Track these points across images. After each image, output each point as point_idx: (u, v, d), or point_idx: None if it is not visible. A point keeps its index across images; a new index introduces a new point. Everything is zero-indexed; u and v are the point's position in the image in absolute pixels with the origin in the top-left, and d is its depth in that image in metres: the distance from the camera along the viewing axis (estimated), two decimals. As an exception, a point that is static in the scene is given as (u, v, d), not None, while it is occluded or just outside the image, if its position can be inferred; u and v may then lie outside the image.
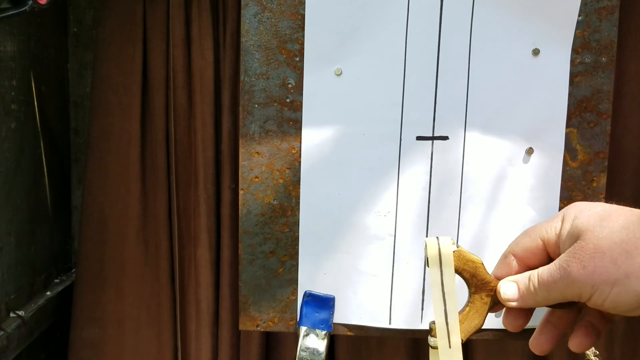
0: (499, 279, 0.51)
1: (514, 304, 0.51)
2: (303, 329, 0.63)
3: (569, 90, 0.59)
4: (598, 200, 0.60)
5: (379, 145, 0.60)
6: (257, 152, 0.61)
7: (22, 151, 0.73)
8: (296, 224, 0.62)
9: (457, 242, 0.51)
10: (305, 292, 0.63)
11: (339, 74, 0.59)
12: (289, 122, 0.60)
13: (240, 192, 0.61)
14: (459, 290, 0.51)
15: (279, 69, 0.60)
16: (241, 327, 0.63)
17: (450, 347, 0.49)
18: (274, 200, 0.62)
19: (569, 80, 0.58)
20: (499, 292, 0.52)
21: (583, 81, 0.59)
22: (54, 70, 0.82)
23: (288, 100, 0.60)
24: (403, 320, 0.62)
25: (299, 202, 0.62)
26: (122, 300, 0.76)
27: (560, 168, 0.60)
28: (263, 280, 0.63)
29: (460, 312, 0.51)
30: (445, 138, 0.60)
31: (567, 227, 0.48)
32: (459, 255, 0.51)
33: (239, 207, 0.61)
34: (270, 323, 0.63)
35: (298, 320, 0.63)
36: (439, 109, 0.59)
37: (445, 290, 0.50)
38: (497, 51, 0.58)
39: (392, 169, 0.60)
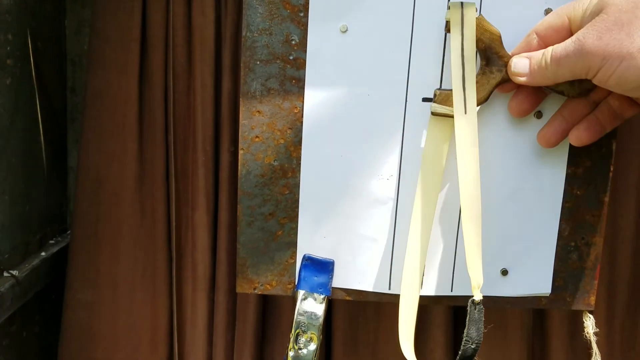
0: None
1: (522, 79, 0.51)
2: (301, 293, 0.62)
3: None
4: (607, 167, 0.59)
5: (384, 107, 0.58)
6: (258, 111, 0.59)
7: (17, 108, 0.72)
8: (296, 186, 0.60)
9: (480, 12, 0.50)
10: (304, 255, 0.62)
11: (344, 31, 0.57)
12: (292, 81, 0.59)
13: (240, 152, 0.60)
14: None
15: (283, 25, 0.58)
16: (238, 289, 0.62)
17: (465, 112, 0.48)
18: (274, 161, 0.60)
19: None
20: (510, 66, 0.51)
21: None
22: (51, 26, 0.80)
23: (291, 58, 0.58)
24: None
25: (300, 164, 0.60)
26: (117, 262, 0.75)
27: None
28: (261, 243, 0.61)
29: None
30: (451, 100, 0.58)
31: (594, 1, 0.46)
32: (479, 23, 0.49)
33: (239, 167, 0.60)
34: (267, 286, 0.62)
35: (296, 283, 0.62)
36: (447, 70, 0.57)
37: (465, 54, 0.49)
38: (508, 10, 0.56)
39: (396, 131, 0.59)
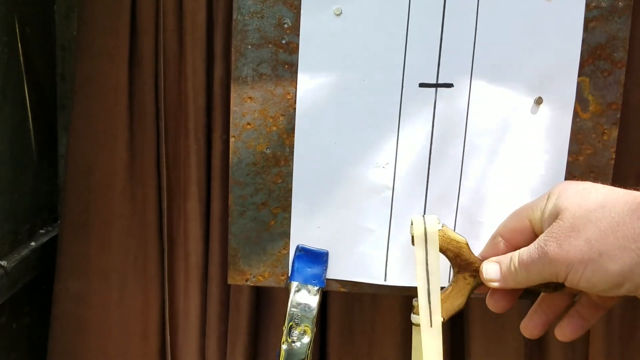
0: (485, 259, 0.51)
1: (495, 284, 0.51)
2: (294, 284, 0.60)
3: (582, 37, 0.55)
4: (608, 154, 0.57)
5: (380, 92, 0.57)
6: (250, 97, 0.58)
7: (5, 94, 0.70)
8: (289, 174, 0.59)
9: (441, 222, 0.52)
10: (298, 246, 0.60)
11: (338, 14, 0.55)
12: (284, 66, 0.57)
13: (232, 139, 0.58)
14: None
15: (275, 7, 0.56)
16: (230, 281, 0.61)
17: (431, 326, 0.50)
18: (266, 149, 0.58)
19: (583, 26, 0.55)
20: (481, 272, 0.52)
21: (598, 27, 0.55)
22: (40, 11, 0.78)
23: (284, 42, 0.56)
24: (399, 277, 0.60)
25: (293, 152, 0.58)
26: (108, 252, 0.73)
27: (570, 119, 0.56)
28: (254, 233, 0.60)
29: (443, 292, 0.51)
30: (449, 85, 0.56)
31: (549, 206, 0.47)
32: (443, 235, 0.51)
33: (230, 155, 0.58)
34: (260, 277, 0.61)
35: (289, 275, 0.61)
36: (444, 55, 0.55)
37: (429, 269, 0.50)
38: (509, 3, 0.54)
39: (392, 117, 0.57)
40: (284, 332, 0.60)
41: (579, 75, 0.56)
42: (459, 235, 0.51)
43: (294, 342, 0.60)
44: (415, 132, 0.57)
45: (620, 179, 0.69)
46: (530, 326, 0.55)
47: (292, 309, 0.60)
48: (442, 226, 0.51)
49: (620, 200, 0.44)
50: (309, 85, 0.57)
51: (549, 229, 0.46)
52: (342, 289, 0.61)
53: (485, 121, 0.57)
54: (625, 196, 0.44)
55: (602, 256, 0.43)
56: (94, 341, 0.74)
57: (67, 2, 0.80)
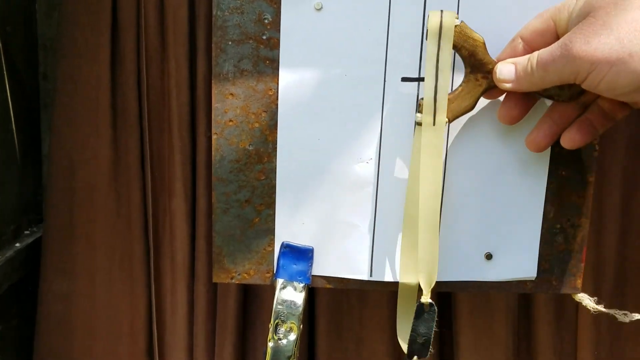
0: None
1: (508, 85, 0.49)
2: (280, 282, 0.60)
3: None
4: None
5: (362, 87, 0.56)
6: (232, 94, 0.57)
7: (-15, 94, 0.69)
8: (273, 171, 0.58)
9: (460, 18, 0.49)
10: (283, 242, 0.60)
11: (319, 9, 0.55)
12: (266, 61, 0.56)
13: (214, 136, 0.58)
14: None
15: (255, 3, 0.55)
16: (215, 279, 0.60)
17: (434, 124, 0.47)
18: (249, 145, 0.58)
19: None
20: (495, 73, 0.50)
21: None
22: (21, 10, 0.77)
23: (264, 37, 0.56)
24: (384, 272, 0.59)
25: (276, 148, 0.58)
26: (93, 252, 0.73)
27: None
28: (238, 231, 0.59)
29: (452, 92, 0.49)
30: (431, 79, 0.56)
31: (580, 3, 0.45)
32: (460, 31, 0.48)
33: (212, 152, 0.58)
34: (245, 275, 0.60)
35: (275, 272, 0.60)
36: (426, 48, 0.55)
37: (440, 65, 0.48)
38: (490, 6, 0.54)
39: (375, 112, 0.57)
40: (270, 330, 0.59)
41: None
42: (477, 33, 0.48)
43: (280, 339, 0.59)
44: (398, 127, 0.57)
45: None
46: (537, 137, 0.52)
47: (278, 306, 0.60)
48: (461, 22, 0.48)
49: None
50: (291, 80, 0.56)
51: (577, 25, 0.44)
52: (328, 285, 0.61)
53: (468, 113, 0.56)
54: None
55: (632, 57, 0.41)
56: (80, 341, 0.74)
57: (48, 1, 0.79)
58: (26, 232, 0.80)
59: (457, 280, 0.59)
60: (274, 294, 0.60)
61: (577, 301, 0.59)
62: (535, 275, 0.59)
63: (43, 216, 0.81)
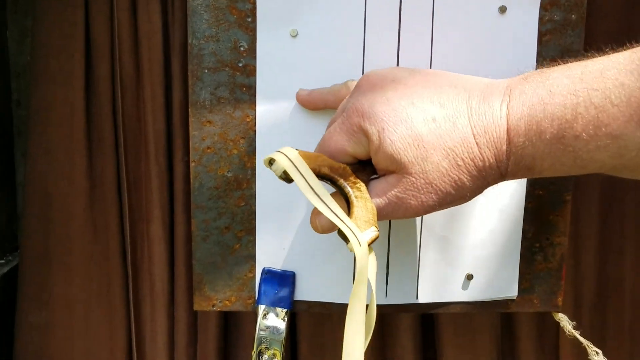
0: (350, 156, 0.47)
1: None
2: (262, 308, 0.59)
3: (537, 50, 0.56)
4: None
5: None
6: (209, 121, 0.57)
7: (-43, 124, 0.68)
8: (252, 197, 0.58)
9: None
10: (264, 268, 0.59)
11: (294, 35, 0.55)
12: (242, 88, 0.56)
13: (192, 164, 0.57)
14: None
15: (230, 31, 0.55)
16: (196, 307, 0.60)
17: (360, 245, 0.45)
18: (228, 172, 0.58)
19: (537, 39, 0.55)
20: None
21: (552, 40, 0.56)
22: (-9, 37, 0.76)
23: (240, 65, 0.56)
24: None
25: (255, 174, 0.58)
26: (70, 281, 0.72)
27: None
28: (218, 258, 0.59)
29: (349, 213, 0.46)
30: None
31: (376, 146, 0.45)
32: (304, 156, 0.47)
33: (191, 180, 0.57)
34: (226, 302, 0.60)
35: (256, 298, 0.60)
36: (402, 72, 0.55)
37: (319, 193, 0.46)
38: (461, 8, 0.54)
39: (353, 136, 0.57)
40: (253, 357, 0.59)
41: None
42: (309, 152, 0.48)
43: (263, 366, 0.59)
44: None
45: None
46: None
47: (261, 333, 0.59)
48: (296, 149, 0.47)
49: None
50: (268, 107, 0.56)
51: (399, 186, 0.45)
52: (311, 310, 0.60)
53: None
54: None
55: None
56: (59, 373, 0.73)
57: (20, 28, 0.79)
58: (1, 261, 0.79)
59: (439, 301, 0.60)
60: (256, 321, 0.59)
61: (557, 320, 0.60)
62: (516, 294, 0.60)
63: (19, 245, 0.79)
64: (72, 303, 0.72)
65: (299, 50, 0.55)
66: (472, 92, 0.45)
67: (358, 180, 0.47)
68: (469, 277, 0.59)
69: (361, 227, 0.45)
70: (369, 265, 0.45)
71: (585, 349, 0.72)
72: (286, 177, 0.46)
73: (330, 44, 0.55)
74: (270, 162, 0.46)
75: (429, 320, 0.72)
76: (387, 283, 0.59)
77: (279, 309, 0.60)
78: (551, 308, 0.60)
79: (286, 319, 0.59)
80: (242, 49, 0.55)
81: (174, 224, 0.71)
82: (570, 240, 0.69)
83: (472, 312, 0.60)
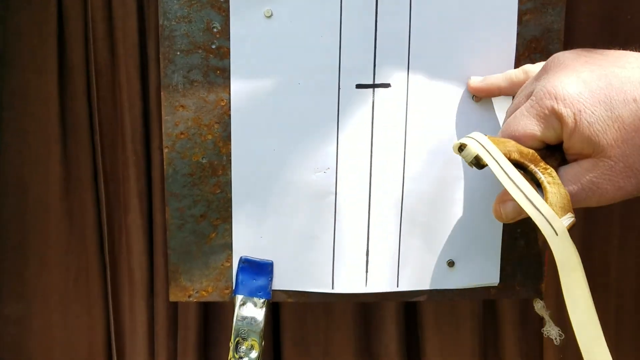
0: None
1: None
2: (239, 298, 0.58)
3: (517, 30, 0.54)
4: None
5: (316, 95, 0.55)
6: (182, 106, 0.55)
7: None
8: (228, 184, 0.57)
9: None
10: (241, 257, 0.58)
11: (269, 16, 0.53)
12: (216, 71, 0.55)
13: (165, 150, 0.56)
14: None
15: (202, 11, 0.54)
16: (172, 298, 0.58)
17: (557, 234, 0.44)
18: (202, 158, 0.56)
19: (517, 19, 0.54)
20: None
21: (532, 19, 0.54)
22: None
23: (214, 47, 0.54)
24: (346, 284, 0.58)
25: (230, 160, 0.56)
26: (47, 272, 0.70)
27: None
28: (194, 247, 0.58)
29: (544, 195, 0.45)
30: (387, 85, 0.55)
31: (571, 129, 0.44)
32: (494, 141, 0.45)
33: (164, 166, 0.56)
34: (203, 293, 0.58)
35: (234, 288, 0.59)
36: (380, 54, 0.54)
37: (513, 178, 0.44)
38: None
39: (330, 121, 0.55)
40: (231, 348, 0.58)
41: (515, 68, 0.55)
42: (497, 137, 0.46)
43: (241, 357, 0.58)
44: (355, 135, 0.55)
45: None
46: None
47: (238, 323, 0.58)
48: (485, 135, 0.46)
49: None
50: (243, 90, 0.55)
51: (597, 171, 0.44)
52: (290, 300, 0.59)
53: (425, 119, 0.55)
54: None
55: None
56: (37, 366, 0.71)
57: (-8, 14, 0.77)
58: (-24, 253, 0.77)
59: (420, 289, 0.58)
60: (234, 311, 0.58)
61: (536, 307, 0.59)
62: (498, 281, 0.59)
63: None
64: (49, 294, 0.71)
65: (274, 31, 0.54)
66: None
67: (548, 166, 0.45)
68: (450, 264, 0.58)
69: (558, 213, 0.43)
70: (574, 251, 0.44)
71: (570, 338, 0.72)
72: (477, 163, 0.45)
73: (305, 25, 0.53)
74: (460, 148, 0.45)
75: (411, 308, 0.71)
76: (367, 271, 0.58)
77: (257, 299, 0.58)
78: (534, 295, 0.59)
79: (264, 308, 0.58)
80: (215, 30, 0.54)
81: (152, 213, 0.69)
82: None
83: (453, 299, 0.59)
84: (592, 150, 0.43)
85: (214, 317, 0.72)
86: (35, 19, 0.66)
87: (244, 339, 0.58)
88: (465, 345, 0.71)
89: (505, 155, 0.45)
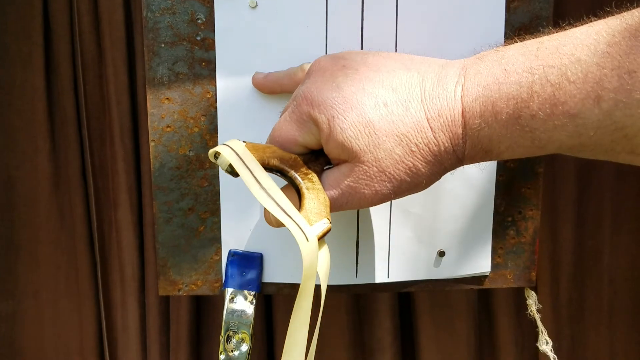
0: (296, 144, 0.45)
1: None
2: (229, 291, 0.58)
3: (505, 17, 0.54)
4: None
5: (303, 86, 0.54)
6: (168, 98, 0.55)
7: None
8: (216, 177, 0.56)
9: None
10: (230, 250, 0.58)
11: (254, 6, 0.53)
12: (202, 63, 0.54)
13: (151, 143, 0.55)
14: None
15: (187, 3, 0.53)
16: (161, 292, 0.58)
17: (307, 240, 0.42)
18: (189, 151, 0.56)
19: (505, 6, 0.53)
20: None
21: (520, 6, 0.54)
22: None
23: (199, 38, 0.54)
24: (337, 276, 0.58)
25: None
26: (37, 269, 0.70)
27: None
28: (182, 240, 0.57)
29: (300, 204, 0.44)
30: (374, 75, 0.54)
31: (327, 134, 0.43)
32: (252, 148, 0.44)
33: (151, 160, 0.55)
34: (193, 286, 0.58)
35: (223, 281, 0.58)
36: (366, 44, 0.53)
37: (264, 186, 0.43)
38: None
39: (318, 111, 0.55)
40: (221, 342, 0.57)
41: None
42: (258, 143, 0.46)
43: (232, 351, 0.57)
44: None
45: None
46: None
47: (228, 316, 0.58)
48: (244, 141, 0.45)
49: None
50: (229, 82, 0.54)
51: (351, 175, 0.43)
52: (280, 292, 0.59)
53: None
54: None
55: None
56: (28, 363, 0.71)
57: (-22, 8, 0.76)
58: (-33, 251, 0.76)
59: (412, 279, 0.58)
60: (223, 305, 0.58)
61: (526, 297, 0.59)
62: (489, 270, 0.58)
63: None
64: (40, 291, 0.70)
65: (259, 22, 0.53)
66: (425, 74, 0.43)
67: (310, 171, 0.45)
68: (441, 254, 0.57)
69: (312, 219, 0.43)
70: (318, 261, 0.43)
71: (564, 327, 0.71)
72: (232, 171, 0.44)
73: (291, 15, 0.53)
74: (216, 155, 0.44)
75: (405, 297, 0.71)
76: (357, 262, 0.57)
77: (246, 292, 0.58)
78: (525, 283, 0.59)
79: (254, 301, 0.58)
80: (199, 21, 0.53)
81: (142, 207, 0.69)
82: (547, 213, 0.67)
83: (444, 289, 0.59)
84: (348, 156, 0.43)
85: (206, 313, 0.71)
86: (20, 14, 0.66)
87: (235, 333, 0.57)
88: (459, 334, 0.71)
89: (262, 162, 0.44)
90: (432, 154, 0.42)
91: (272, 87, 0.53)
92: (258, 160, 0.44)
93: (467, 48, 0.53)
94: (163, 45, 0.53)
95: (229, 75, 0.54)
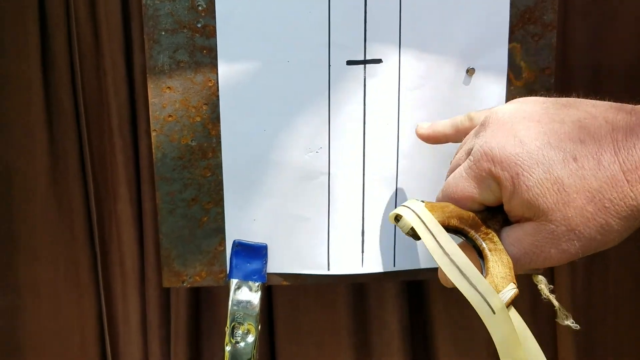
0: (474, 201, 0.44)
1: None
2: (234, 282, 0.57)
3: (510, 1, 0.53)
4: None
5: (306, 73, 0.54)
6: (169, 87, 0.54)
7: None
8: (219, 166, 0.55)
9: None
10: (234, 241, 0.57)
11: (255, -7, 0.52)
12: (203, 51, 0.53)
13: (153, 133, 0.54)
14: None
15: (186, -11, 0.52)
16: (165, 284, 0.57)
17: (494, 312, 0.40)
18: (191, 141, 0.55)
19: (511, -13, 0.53)
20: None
21: (526, -12, 0.53)
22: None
23: (199, 25, 0.53)
24: (342, 265, 0.57)
25: (220, 142, 0.55)
26: (36, 263, 0.69)
27: (504, 88, 0.54)
28: (186, 231, 0.57)
29: (485, 273, 0.42)
30: (378, 61, 0.53)
31: (510, 193, 0.41)
32: (431, 207, 0.43)
33: (153, 150, 0.55)
34: (197, 278, 0.57)
35: (228, 272, 0.57)
36: (370, 29, 0.53)
37: (448, 252, 0.41)
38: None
39: (321, 99, 0.54)
40: (227, 333, 0.57)
41: (510, 41, 0.54)
42: (436, 203, 0.44)
43: (238, 342, 0.57)
44: (347, 113, 0.54)
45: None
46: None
47: (233, 307, 0.57)
48: (422, 201, 0.43)
49: None
50: (231, 70, 0.53)
51: (540, 236, 0.41)
52: (285, 283, 0.58)
53: (418, 95, 0.54)
54: None
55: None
56: (29, 358, 0.70)
57: (-29, -1, 0.75)
58: (-36, 245, 0.75)
59: (417, 268, 0.58)
60: (229, 295, 0.57)
61: (535, 283, 0.58)
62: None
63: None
64: (39, 285, 0.69)
65: (261, 8, 0.52)
66: (615, 122, 0.40)
67: (490, 230, 0.43)
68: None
69: (499, 285, 0.41)
70: (516, 329, 0.41)
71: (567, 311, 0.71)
72: (414, 234, 0.43)
73: (293, 1, 0.52)
74: (396, 218, 0.43)
75: (417, 288, 0.70)
76: (362, 252, 0.57)
77: (251, 283, 0.57)
78: (533, 270, 0.58)
79: (260, 292, 0.57)
80: (200, 8, 0.52)
81: (141, 199, 0.68)
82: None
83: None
84: (533, 214, 0.41)
85: (206, 304, 0.71)
86: (15, 4, 0.65)
87: (240, 324, 0.57)
88: (476, 329, 0.70)
89: (443, 223, 0.42)
90: (629, 209, 0.40)
91: (437, 138, 0.52)
92: (438, 221, 0.42)
93: (472, 31, 0.53)
94: (163, 33, 0.53)
95: (230, 62, 0.53)
